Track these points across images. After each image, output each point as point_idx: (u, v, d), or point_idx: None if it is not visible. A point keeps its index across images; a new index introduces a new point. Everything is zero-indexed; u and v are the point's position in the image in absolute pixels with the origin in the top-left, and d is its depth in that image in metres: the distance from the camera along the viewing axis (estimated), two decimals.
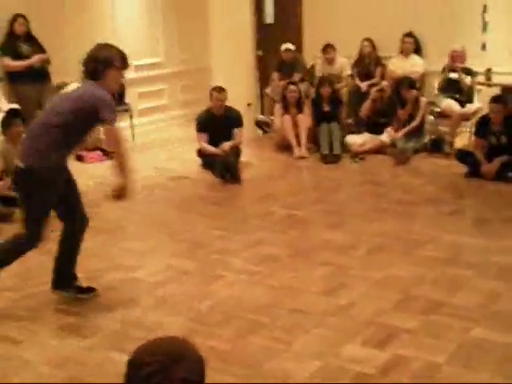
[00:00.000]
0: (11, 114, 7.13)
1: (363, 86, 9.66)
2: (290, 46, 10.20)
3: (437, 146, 8.66)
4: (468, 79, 8.90)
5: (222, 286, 4.88)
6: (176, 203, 7.02)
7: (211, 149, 7.97)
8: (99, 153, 9.07)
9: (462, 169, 7.59)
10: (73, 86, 4.52)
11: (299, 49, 10.90)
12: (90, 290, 4.77)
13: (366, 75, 9.88)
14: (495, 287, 4.68)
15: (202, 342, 4.04)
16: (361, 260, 5.25)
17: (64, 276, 4.71)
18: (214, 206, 6.91)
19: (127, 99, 10.06)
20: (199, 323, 4.33)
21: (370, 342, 4.00)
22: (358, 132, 9.07)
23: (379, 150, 8.67)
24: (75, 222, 4.63)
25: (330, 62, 10.05)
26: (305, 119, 8.97)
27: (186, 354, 1.79)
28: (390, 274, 4.96)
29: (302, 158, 8.66)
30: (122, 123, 10.03)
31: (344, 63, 10.08)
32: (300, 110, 9.10)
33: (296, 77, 9.97)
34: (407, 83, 8.88)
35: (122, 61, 4.47)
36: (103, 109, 4.29)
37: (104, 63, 4.37)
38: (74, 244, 4.68)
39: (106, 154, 8.88)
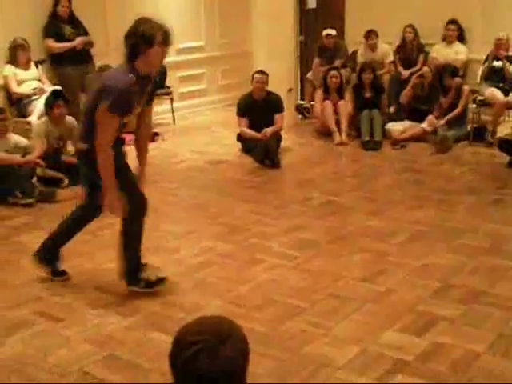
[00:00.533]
0: (54, 95, 7.20)
1: (405, 73, 9.59)
2: (332, 31, 10.14)
3: (479, 135, 8.57)
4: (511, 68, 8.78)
5: (261, 269, 4.90)
6: (215, 187, 7.05)
7: (251, 133, 7.99)
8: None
9: (504, 158, 7.51)
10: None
11: (341, 35, 10.84)
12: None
13: (408, 62, 9.81)
14: None
15: (241, 324, 4.07)
16: (400, 247, 5.23)
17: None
18: (252, 190, 6.93)
19: (168, 82, 10.08)
20: (238, 306, 4.35)
21: (408, 329, 3.99)
22: (400, 119, 9.01)
23: (420, 137, 8.61)
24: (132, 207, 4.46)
25: (373, 48, 9.98)
26: (346, 105, 8.93)
27: (232, 334, 1.81)
28: (429, 262, 4.93)
29: (343, 144, 8.63)
30: (164, 106, 10.14)
31: (386, 50, 10.01)
32: (341, 96, 9.07)
33: (337, 62, 9.92)
34: (450, 71, 8.80)
35: (165, 37, 4.16)
36: (104, 95, 4.11)
37: (145, 39, 4.10)
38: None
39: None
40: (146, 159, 4.68)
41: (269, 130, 7.93)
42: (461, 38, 9.74)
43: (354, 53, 10.32)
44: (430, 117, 8.65)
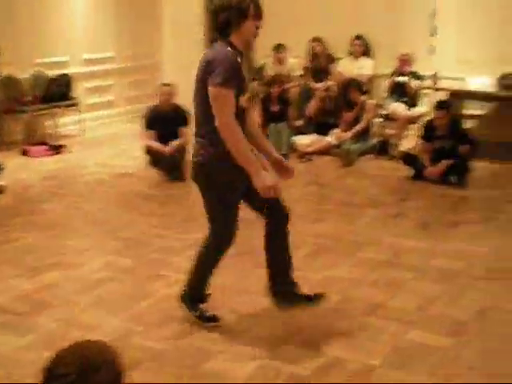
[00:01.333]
0: None
1: (317, 86, 9.61)
2: None
3: (383, 149, 8.74)
4: (415, 83, 9.00)
5: (162, 285, 4.84)
6: (120, 201, 6.96)
7: (157, 146, 7.91)
8: (45, 147, 8.95)
9: (407, 171, 7.67)
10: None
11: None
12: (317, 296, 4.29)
13: (320, 74, 9.89)
14: (433, 290, 4.71)
15: (139, 342, 4.03)
16: (302, 261, 5.22)
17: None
18: (157, 204, 6.86)
19: (75, 93, 9.93)
20: (137, 323, 4.28)
21: (306, 344, 3.99)
22: (308, 132, 9.10)
23: (326, 151, 8.72)
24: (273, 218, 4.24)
25: (281, 61, 10.05)
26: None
27: (106, 360, 1.74)
28: (330, 275, 4.97)
29: None
30: (70, 117, 9.97)
31: (294, 63, 10.11)
32: None
33: None
34: (354, 85, 8.95)
35: (258, 8, 3.86)
36: (212, 71, 3.70)
37: (238, 12, 3.78)
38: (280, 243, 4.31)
39: (52, 148, 8.79)
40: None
41: (174, 143, 7.86)
42: (367, 53, 9.92)
43: (263, 66, 10.37)
44: (336, 130, 8.77)
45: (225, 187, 3.96)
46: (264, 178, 3.78)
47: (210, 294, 4.32)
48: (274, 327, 4.20)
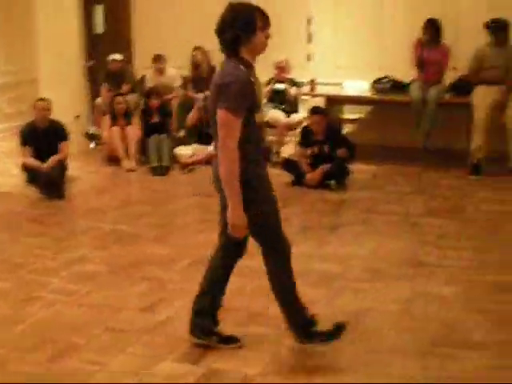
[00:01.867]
0: None
1: (198, 96, 9.57)
2: (117, 56, 10.06)
3: (264, 156, 8.78)
4: (293, 90, 9.11)
5: (37, 307, 4.69)
6: None
7: (34, 163, 7.67)
8: None
9: (289, 178, 7.75)
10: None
11: (129, 59, 10.79)
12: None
13: (202, 83, 9.85)
14: (313, 294, 4.74)
15: (15, 368, 3.89)
16: (182, 273, 5.21)
17: None
18: (35, 223, 6.67)
19: None
20: (11, 349, 4.13)
21: (185, 357, 3.96)
22: (189, 143, 9.07)
23: (209, 160, 8.68)
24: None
25: (161, 72, 9.99)
26: (133, 131, 8.88)
27: None
28: None
29: (131, 170, 8.57)
30: None
31: (175, 74, 10.06)
32: (129, 121, 9.00)
33: (124, 88, 9.84)
34: None
35: (264, 18, 3.71)
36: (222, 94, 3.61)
37: (246, 26, 3.63)
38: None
39: None
40: None
41: (51, 160, 7.66)
42: None
43: (143, 77, 10.29)
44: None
45: None
46: (238, 216, 3.73)
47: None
48: (153, 343, 4.14)
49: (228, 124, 3.59)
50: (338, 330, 4.00)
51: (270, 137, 9.26)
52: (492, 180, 7.89)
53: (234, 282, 4.95)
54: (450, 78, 8.80)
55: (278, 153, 8.78)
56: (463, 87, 8.57)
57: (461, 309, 4.57)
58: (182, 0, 10.49)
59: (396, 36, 9.34)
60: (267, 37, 3.75)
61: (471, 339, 4.14)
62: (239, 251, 4.24)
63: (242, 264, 5.31)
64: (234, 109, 3.57)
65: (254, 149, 3.75)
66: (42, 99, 7.97)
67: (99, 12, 11.28)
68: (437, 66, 8.53)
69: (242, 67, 3.65)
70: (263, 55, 9.00)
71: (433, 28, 8.54)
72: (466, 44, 8.73)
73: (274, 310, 4.50)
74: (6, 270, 5.41)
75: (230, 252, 4.23)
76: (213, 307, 4.17)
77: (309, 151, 7.72)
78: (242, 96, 3.59)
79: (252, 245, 5.73)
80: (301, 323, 4.02)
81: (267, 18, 3.76)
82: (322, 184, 7.52)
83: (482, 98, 8.09)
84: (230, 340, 4.11)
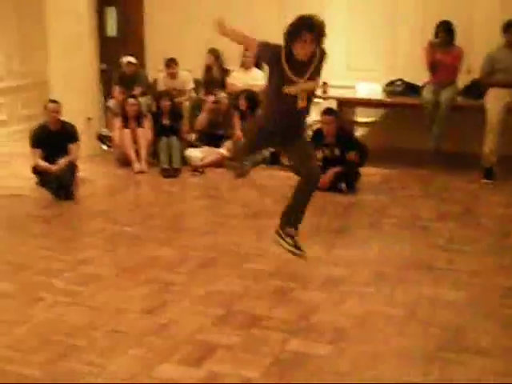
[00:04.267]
0: None
1: (210, 98, 9.55)
2: (131, 59, 10.07)
3: (276, 159, 8.77)
4: None
5: (41, 308, 4.67)
6: (5, 222, 6.73)
7: (44, 165, 7.67)
8: None
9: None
10: None
11: (142, 62, 10.79)
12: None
13: (214, 86, 9.85)
14: (316, 299, 4.72)
15: (16, 370, 3.87)
16: (187, 276, 5.18)
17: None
18: (43, 224, 6.66)
19: None
20: (14, 350, 4.11)
21: (186, 360, 3.92)
22: (199, 146, 9.05)
23: (219, 163, 8.66)
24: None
25: (173, 76, 9.98)
26: (144, 133, 8.87)
27: None
28: (215, 289, 4.91)
29: (142, 172, 8.55)
30: None
31: (186, 77, 10.06)
32: (140, 123, 8.99)
33: (137, 90, 9.84)
34: (246, 96, 8.96)
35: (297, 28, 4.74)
36: None
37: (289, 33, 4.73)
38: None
39: None
40: None
41: (61, 161, 7.67)
42: (258, 64, 9.95)
43: (155, 81, 10.29)
44: (228, 142, 8.75)
45: None
46: None
47: None
48: (154, 346, 4.11)
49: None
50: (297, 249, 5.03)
51: None
52: (504, 184, 7.81)
53: (237, 285, 4.96)
54: (462, 80, 8.71)
55: None
56: (476, 90, 8.49)
57: (468, 314, 4.50)
58: (195, 2, 10.46)
59: (409, 38, 9.28)
60: (305, 40, 4.71)
61: (478, 344, 4.07)
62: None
63: (246, 267, 5.33)
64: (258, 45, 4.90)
65: (270, 107, 5.07)
66: (52, 101, 7.98)
67: (112, 14, 11.30)
68: (450, 68, 8.44)
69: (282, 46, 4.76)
70: None
71: (446, 30, 8.46)
72: (479, 47, 8.66)
73: (277, 313, 4.49)
74: (12, 271, 5.40)
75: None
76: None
77: (319, 154, 7.67)
78: (270, 52, 4.82)
79: (256, 248, 5.75)
80: (292, 225, 5.06)
81: (299, 28, 4.72)
82: (332, 187, 7.46)
83: (495, 100, 8.01)
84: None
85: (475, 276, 5.14)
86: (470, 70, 8.83)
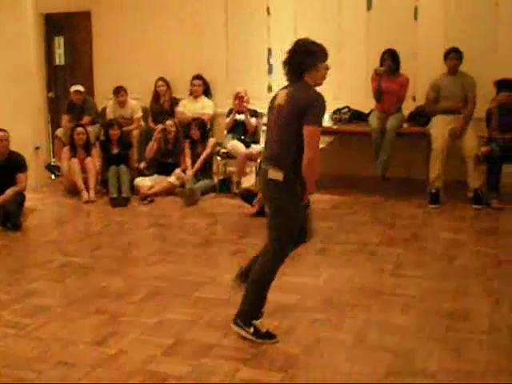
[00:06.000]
0: None
1: (158, 128, 9.54)
2: (80, 87, 10.03)
3: (226, 187, 8.81)
4: (253, 120, 9.14)
5: None
6: None
7: None
8: None
9: (248, 208, 7.74)
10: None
11: (91, 91, 10.76)
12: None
13: (161, 116, 9.85)
14: (267, 326, 4.70)
15: None
16: (136, 306, 5.14)
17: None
18: None
19: None
20: None
21: None
22: (149, 174, 9.04)
23: (169, 191, 8.69)
24: None
25: (122, 104, 9.96)
26: (93, 162, 8.83)
27: None
28: (165, 319, 4.88)
29: (91, 201, 8.50)
30: None
31: (135, 105, 10.05)
32: (89, 152, 8.95)
33: (85, 119, 9.81)
34: (197, 124, 9.01)
35: (323, 52, 4.47)
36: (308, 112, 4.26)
37: (311, 56, 4.39)
38: None
39: None
40: None
41: (8, 191, 7.59)
42: (207, 93, 10.02)
43: (104, 109, 10.26)
44: (177, 170, 8.77)
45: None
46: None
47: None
48: (103, 377, 4.06)
49: (317, 138, 4.26)
50: (269, 337, 4.50)
51: (231, 168, 9.27)
52: (451, 208, 7.95)
53: (186, 314, 4.94)
54: (408, 107, 8.88)
55: (238, 183, 8.78)
56: (421, 117, 8.66)
57: (416, 338, 4.55)
58: (143, 32, 10.49)
59: (355, 67, 9.43)
60: (326, 68, 4.44)
61: (426, 368, 4.12)
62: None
63: (196, 296, 5.32)
64: (320, 125, 4.27)
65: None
66: (1, 130, 7.89)
67: (60, 43, 11.26)
68: (395, 96, 8.59)
69: (312, 86, 4.36)
70: (227, 85, 9.24)
71: (391, 58, 8.61)
72: (424, 74, 8.85)
73: (228, 341, 4.49)
74: None
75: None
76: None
77: None
78: (323, 112, 4.31)
79: (206, 277, 5.74)
80: (252, 316, 4.53)
81: (326, 53, 4.46)
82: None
83: (440, 127, 8.17)
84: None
85: (422, 300, 5.21)
86: (415, 97, 9.01)
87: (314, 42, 4.45)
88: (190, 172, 8.78)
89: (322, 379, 3.98)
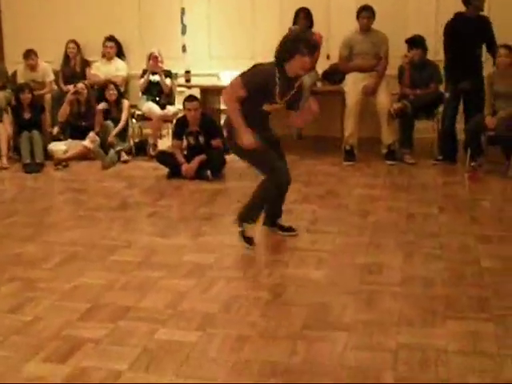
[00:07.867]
0: None
1: (68, 88, 9.37)
2: None
3: (142, 149, 8.74)
4: (168, 81, 9.06)
5: None
6: None
7: None
8: None
9: (164, 170, 7.71)
10: None
11: (0, 55, 10.46)
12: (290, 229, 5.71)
13: (72, 78, 9.66)
14: (184, 286, 4.74)
15: None
16: (51, 272, 5.08)
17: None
18: None
19: None
20: None
21: (52, 356, 3.84)
22: (62, 138, 8.89)
23: (84, 155, 8.56)
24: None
25: (33, 67, 9.72)
26: (4, 128, 8.62)
27: None
28: (81, 284, 4.84)
29: (3, 168, 8.31)
30: None
31: (47, 69, 9.82)
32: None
33: None
34: (113, 86, 8.89)
35: (309, 47, 5.11)
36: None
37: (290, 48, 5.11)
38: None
39: None
40: None
41: None
42: (120, 54, 9.86)
43: (15, 73, 9.98)
44: (91, 134, 8.64)
45: None
46: (245, 135, 5.20)
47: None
48: (19, 345, 4.01)
49: (234, 87, 5.14)
50: (248, 242, 5.43)
51: (146, 130, 9.19)
52: (365, 165, 8.10)
53: (102, 278, 4.92)
54: (322, 66, 8.94)
55: (154, 145, 8.72)
56: (335, 75, 8.73)
57: (331, 292, 4.65)
58: None
59: (269, 25, 9.42)
60: (308, 62, 5.09)
61: (341, 321, 4.21)
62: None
63: (112, 259, 5.30)
64: (244, 82, 5.07)
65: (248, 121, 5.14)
66: None
67: None
68: None
69: (276, 71, 5.16)
70: (140, 46, 9.11)
71: (305, 17, 8.63)
72: (337, 32, 8.90)
73: (144, 304, 4.49)
74: None
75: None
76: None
77: (184, 142, 7.70)
78: (256, 81, 5.10)
79: (122, 240, 5.72)
80: (245, 218, 5.45)
81: (313, 48, 5.16)
82: (198, 175, 7.51)
83: (353, 84, 8.28)
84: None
85: (337, 255, 5.32)
86: (329, 55, 9.07)
87: (304, 34, 5.45)
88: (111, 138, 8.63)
89: (238, 336, 4.03)
